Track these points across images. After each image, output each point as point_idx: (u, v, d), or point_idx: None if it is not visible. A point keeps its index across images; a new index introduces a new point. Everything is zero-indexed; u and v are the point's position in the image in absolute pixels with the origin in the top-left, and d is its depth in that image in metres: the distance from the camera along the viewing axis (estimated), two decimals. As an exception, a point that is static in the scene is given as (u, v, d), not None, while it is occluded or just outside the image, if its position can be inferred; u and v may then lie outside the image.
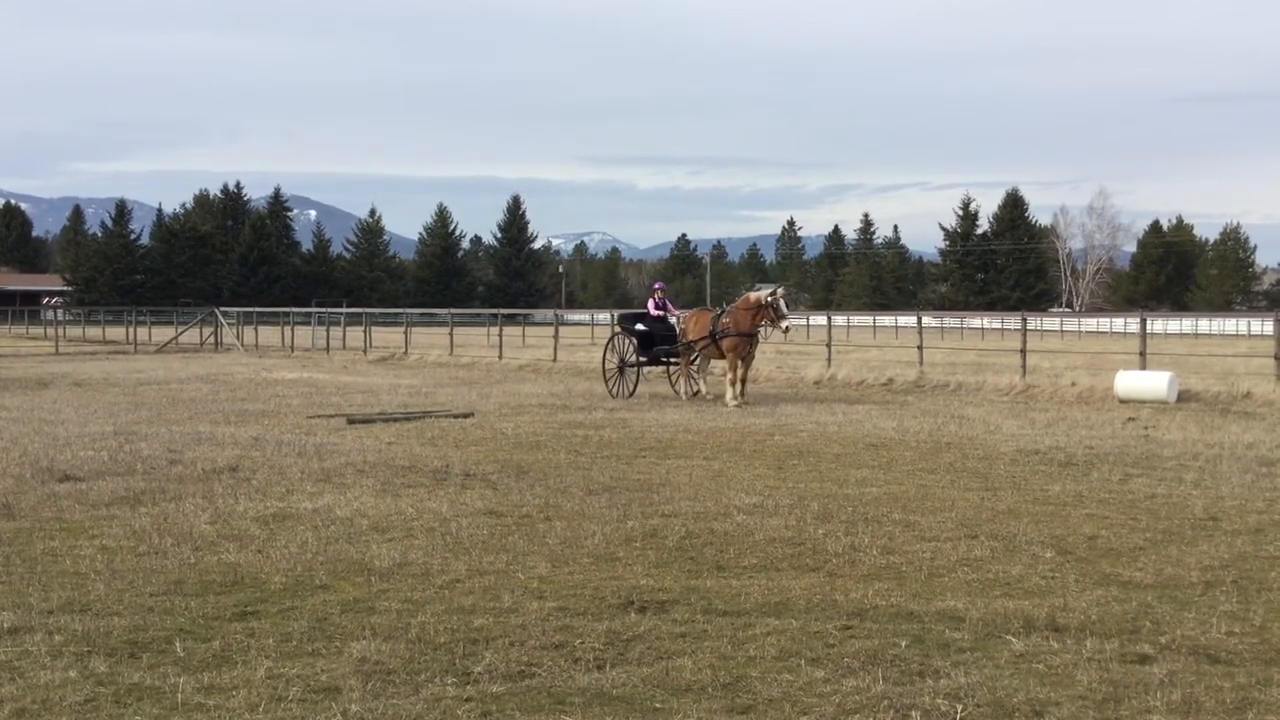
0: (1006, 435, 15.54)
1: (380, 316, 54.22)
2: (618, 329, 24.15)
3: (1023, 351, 25.26)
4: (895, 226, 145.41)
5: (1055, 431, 16.00)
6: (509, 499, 10.41)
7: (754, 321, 20.69)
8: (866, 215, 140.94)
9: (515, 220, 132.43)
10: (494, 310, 45.59)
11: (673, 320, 23.14)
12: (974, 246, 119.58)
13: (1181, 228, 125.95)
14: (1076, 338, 65.88)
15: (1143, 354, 23.32)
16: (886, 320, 73.26)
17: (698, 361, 22.04)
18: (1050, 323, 76.33)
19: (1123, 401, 20.57)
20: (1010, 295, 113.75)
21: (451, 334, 38.31)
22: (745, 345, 20.72)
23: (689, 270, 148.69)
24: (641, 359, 22.26)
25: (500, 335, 36.47)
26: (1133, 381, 20.98)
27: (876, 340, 50.96)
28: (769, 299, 20.56)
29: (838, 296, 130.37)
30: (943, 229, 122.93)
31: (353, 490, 10.83)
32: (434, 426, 16.45)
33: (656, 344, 22.25)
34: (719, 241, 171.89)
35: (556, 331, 35.23)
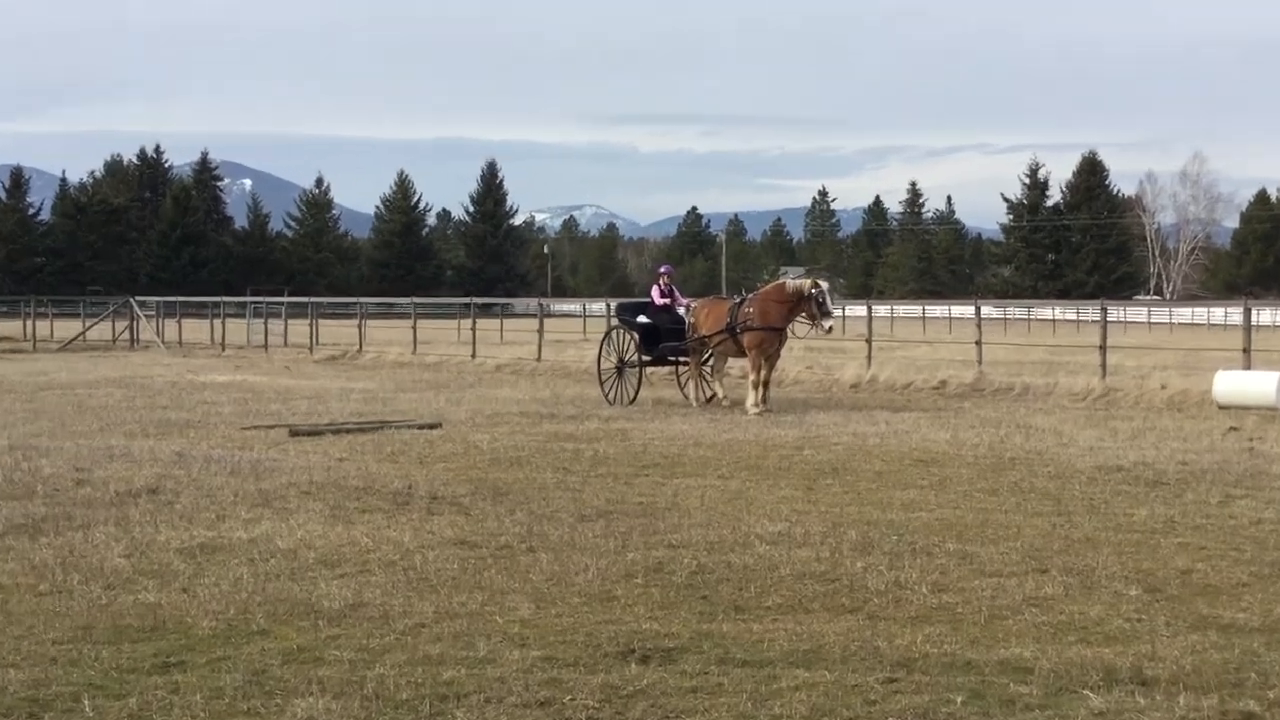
0: (1083, 449, 15.55)
1: (329, 307, 54.32)
2: (615, 322, 24.18)
3: (1102, 348, 25.28)
4: (949, 197, 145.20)
5: (1141, 444, 16.00)
6: (484, 526, 10.42)
7: (787, 315, 20.69)
8: (914, 184, 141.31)
9: (491, 191, 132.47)
10: (466, 299, 45.61)
11: (681, 311, 23.18)
12: (1044, 221, 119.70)
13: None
14: (1167, 331, 65.89)
15: (1247, 351, 23.34)
16: (938, 310, 73.37)
17: (712, 361, 22.06)
18: (1135, 313, 76.44)
19: (1223, 408, 20.59)
20: (1087, 280, 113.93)
21: (415, 328, 38.35)
22: (771, 342, 20.76)
23: (701, 250, 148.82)
24: (644, 358, 22.26)
25: (474, 329, 36.49)
26: (1235, 384, 20.99)
27: (926, 335, 50.98)
28: (812, 290, 20.52)
29: (879, 282, 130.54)
30: (1006, 200, 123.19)
31: (297, 516, 10.85)
32: (394, 439, 16.47)
33: (662, 339, 22.23)
34: (736, 216, 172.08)
35: (541, 325, 35.27)
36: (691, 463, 14.49)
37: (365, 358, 36.68)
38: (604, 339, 23.34)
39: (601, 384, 22.63)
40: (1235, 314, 59.33)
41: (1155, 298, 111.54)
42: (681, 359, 22.47)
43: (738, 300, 21.69)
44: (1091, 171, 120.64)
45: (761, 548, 9.52)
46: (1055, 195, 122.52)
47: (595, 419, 19.30)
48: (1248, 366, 22.93)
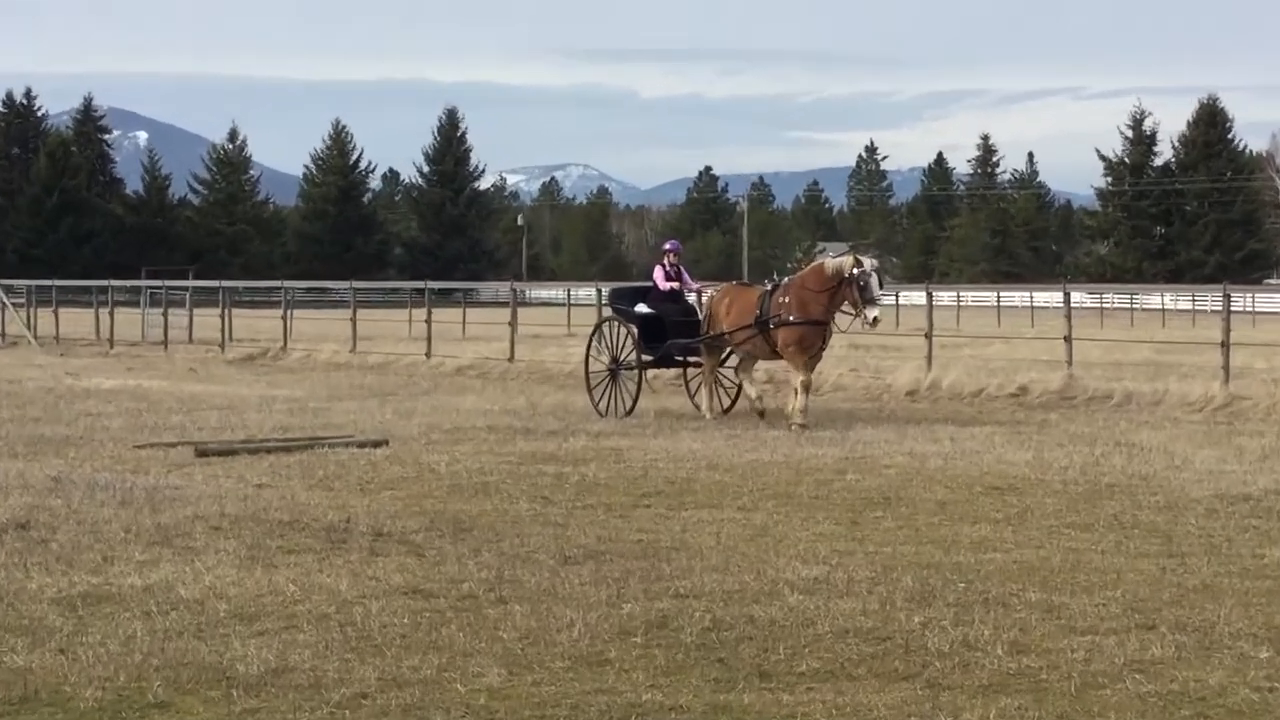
0: (1200, 473, 15.54)
1: (246, 293, 54.42)
2: (609, 312, 24.14)
3: (1224, 345, 25.25)
4: (1030, 155, 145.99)
5: (1274, 467, 15.98)
6: (442, 571, 10.41)
7: (829, 304, 20.63)
8: (986, 138, 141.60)
9: (451, 147, 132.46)
10: (419, 284, 45.55)
11: (691, 298, 23.11)
12: (1150, 186, 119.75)
13: None
14: (1306, 324, 65.83)
15: (1407, 348, 23.34)
16: (1016, 298, 73.35)
17: (738, 361, 22.01)
18: (1267, 301, 76.37)
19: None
20: (1205, 260, 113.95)
21: (354, 319, 38.36)
22: (814, 339, 20.72)
23: (716, 222, 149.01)
24: (645, 357, 22.25)
25: (429, 321, 36.45)
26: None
27: (1001, 328, 50.99)
28: (855, 270, 20.38)
29: (942, 262, 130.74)
30: (1103, 159, 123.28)
31: (204, 557, 10.83)
32: (328, 460, 16.46)
33: (668, 334, 22.19)
34: (761, 179, 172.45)
35: (514, 315, 35.22)
36: (704, 490, 14.46)
37: (291, 357, 36.63)
38: (594, 334, 23.34)
39: (591, 391, 22.61)
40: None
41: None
42: (692, 359, 22.43)
43: (769, 288, 21.63)
44: (1211, 122, 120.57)
45: (793, 598, 9.51)
46: (1165, 152, 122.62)
47: (583, 435, 19.26)
48: None
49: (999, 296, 71.46)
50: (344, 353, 36.24)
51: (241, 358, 37.34)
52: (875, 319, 20.44)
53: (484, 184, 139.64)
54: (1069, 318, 28.17)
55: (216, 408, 23.26)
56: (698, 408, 22.22)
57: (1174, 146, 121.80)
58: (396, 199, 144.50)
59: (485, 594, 9.68)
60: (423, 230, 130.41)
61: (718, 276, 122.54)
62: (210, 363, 36.32)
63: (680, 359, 22.67)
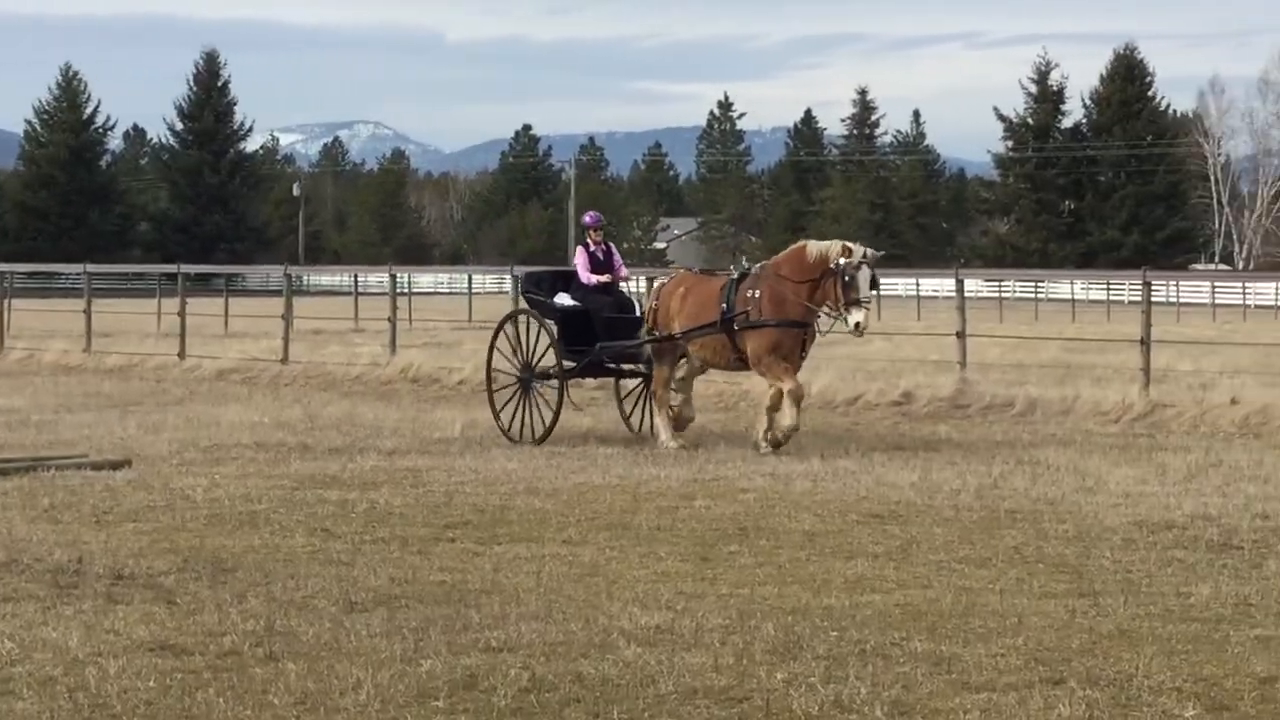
0: (1116, 496, 15.81)
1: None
2: (522, 303, 22.88)
3: (1144, 343, 25.70)
4: (916, 114, 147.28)
5: (1201, 488, 16.32)
6: (198, 622, 10.32)
7: (811, 299, 19.66)
8: (864, 93, 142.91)
9: (210, 99, 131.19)
10: (171, 267, 44.97)
11: (627, 287, 22.41)
12: (1058, 152, 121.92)
13: None
14: (1239, 317, 67.35)
15: (1358, 347, 23.93)
16: (900, 285, 74.03)
17: (684, 371, 21.23)
18: (1193, 290, 77.96)
19: (1323, 433, 21.10)
20: (1122, 241, 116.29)
21: (89, 311, 37.84)
22: (791, 345, 19.83)
23: (537, 192, 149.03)
24: (569, 364, 21.18)
25: (182, 314, 35.99)
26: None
27: (882, 322, 51.39)
28: (841, 260, 19.55)
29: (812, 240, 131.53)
30: (1002, 120, 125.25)
31: (-103, 608, 10.62)
32: (56, 486, 16.23)
33: (602, 334, 21.31)
34: (592, 140, 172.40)
35: (289, 306, 34.96)
36: (521, 520, 14.45)
37: (10, 358, 36.01)
38: (498, 330, 22.22)
39: (494, 405, 21.57)
40: (1341, 292, 60.94)
41: (1222, 267, 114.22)
42: (627, 367, 21.49)
43: (734, 279, 20.42)
44: (1128, 77, 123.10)
45: (630, 650, 9.52)
46: (1075, 112, 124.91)
47: (372, 453, 19.19)
48: (1359, 371, 23.50)
49: (879, 284, 72.11)
50: (76, 352, 35.71)
51: (-55, 359, 36.60)
52: (859, 325, 19.62)
53: (251, 145, 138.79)
54: (962, 310, 28.48)
55: (-86, 421, 22.79)
56: (632, 430, 21.34)
57: (1085, 105, 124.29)
58: (143, 163, 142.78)
59: (251, 650, 9.58)
60: (175, 202, 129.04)
61: (538, 258, 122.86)
62: (-95, 365, 35.54)
63: (614, 367, 21.57)
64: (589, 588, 11.44)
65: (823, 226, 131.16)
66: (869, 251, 20.09)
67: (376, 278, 58.60)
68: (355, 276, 64.14)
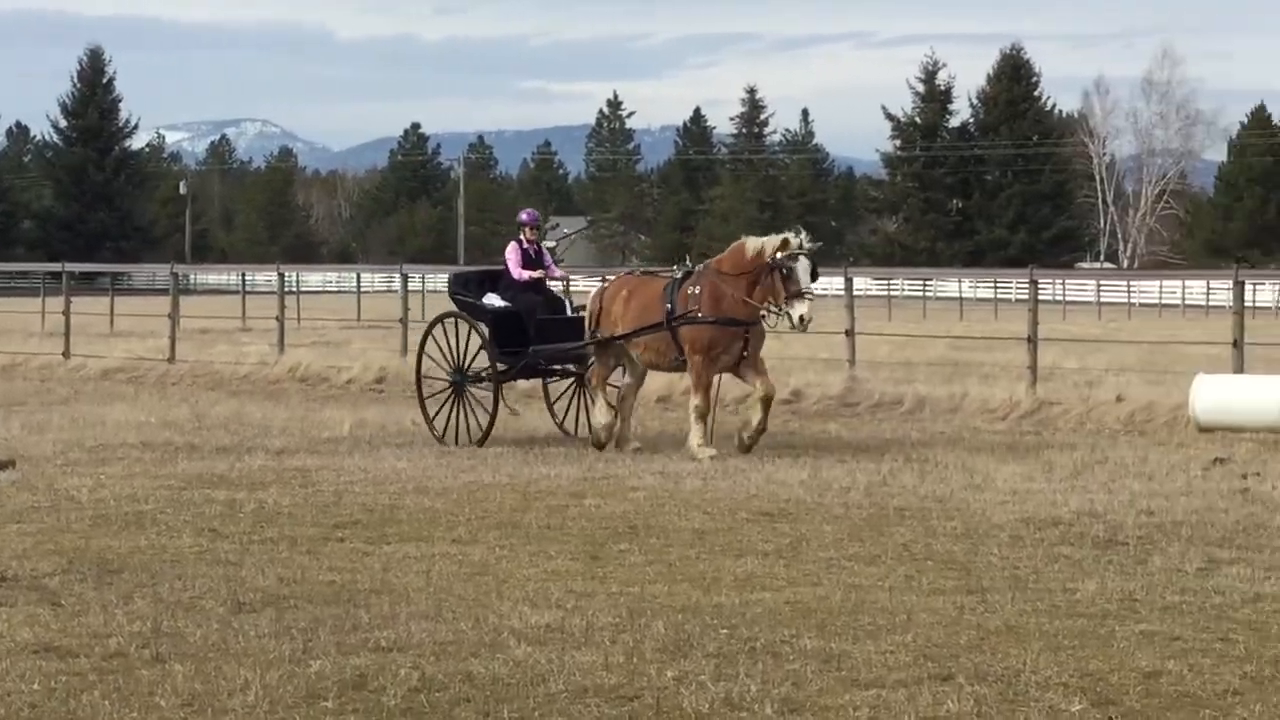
0: (1003, 493, 15.94)
1: None
2: (454, 305, 21.84)
3: (1031, 341, 25.88)
4: (805, 113, 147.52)
5: (1087, 485, 16.49)
6: (83, 623, 10.23)
7: (752, 295, 19.25)
8: (753, 92, 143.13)
9: (95, 96, 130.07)
10: (55, 265, 44.56)
11: (558, 287, 22.12)
12: (945, 151, 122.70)
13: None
14: (1124, 315, 67.98)
15: (1239, 344, 24.07)
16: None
17: (625, 372, 20.43)
18: (1079, 288, 78.66)
19: (1204, 430, 21.28)
20: (1010, 239, 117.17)
21: (-29, 310, 37.35)
22: (729, 344, 19.38)
23: (426, 190, 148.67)
24: (502, 367, 20.75)
25: (67, 313, 35.68)
26: (1222, 394, 21.68)
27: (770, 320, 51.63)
28: (778, 254, 19.17)
29: (700, 240, 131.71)
30: (890, 119, 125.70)
31: None
32: (-63, 487, 16.01)
33: (535, 337, 20.83)
34: (481, 138, 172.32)
35: (176, 305, 34.72)
36: (412, 520, 14.42)
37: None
38: (427, 333, 21.77)
39: (425, 409, 21.29)
40: (1222, 290, 61.42)
41: (1108, 265, 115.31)
42: (567, 367, 21.15)
43: (677, 278, 20.02)
44: (1015, 77, 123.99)
45: (520, 650, 9.52)
46: (963, 112, 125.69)
47: (260, 452, 19.09)
48: (1241, 368, 23.67)
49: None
50: (-43, 352, 35.29)
51: None
52: (803, 319, 19.04)
53: (137, 143, 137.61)
54: (851, 308, 28.58)
55: None
56: (566, 433, 21.07)
57: (972, 105, 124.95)
58: (25, 160, 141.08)
59: (138, 651, 9.52)
60: (59, 199, 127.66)
61: (427, 257, 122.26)
62: None
63: (547, 369, 21.26)
64: (479, 587, 11.43)
65: (712, 225, 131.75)
66: (808, 242, 19.64)
67: (264, 276, 58.35)
68: (243, 275, 63.78)
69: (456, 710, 8.39)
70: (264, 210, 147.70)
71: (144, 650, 9.54)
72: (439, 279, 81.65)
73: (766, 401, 19.27)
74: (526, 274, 20.83)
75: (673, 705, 8.46)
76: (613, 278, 22.06)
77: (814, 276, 19.50)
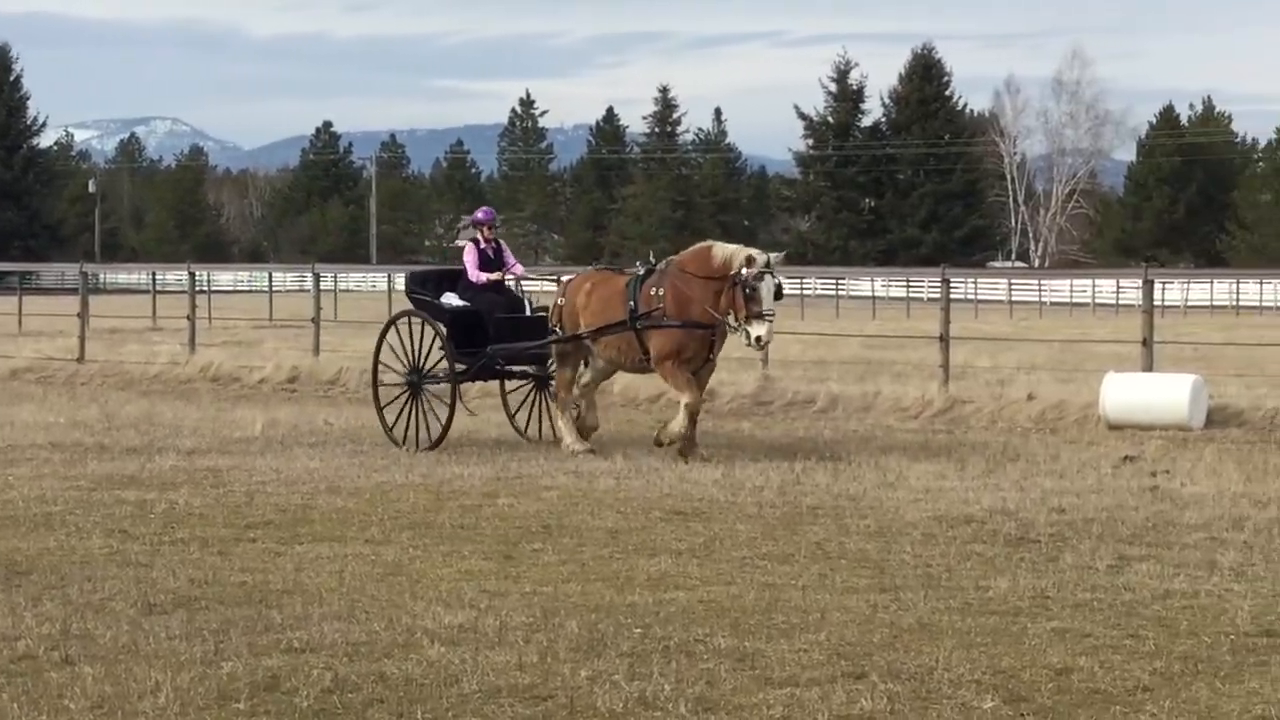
0: (916, 491, 16.04)
1: None
2: (410, 305, 21.39)
3: (943, 339, 26.06)
4: (718, 111, 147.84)
5: (999, 483, 16.60)
6: (-8, 627, 10.15)
7: (718, 302, 18.84)
8: (666, 91, 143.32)
9: (1, 93, 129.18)
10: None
11: (514, 285, 21.83)
12: (857, 150, 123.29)
13: (1214, 119, 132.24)
14: (1035, 314, 68.51)
15: (1147, 343, 24.36)
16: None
17: (588, 375, 20.18)
18: (990, 287, 79.29)
19: (1114, 427, 21.51)
20: (922, 238, 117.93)
21: (-123, 310, 36.99)
22: (697, 345, 19.05)
23: (338, 189, 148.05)
24: (460, 367, 20.36)
25: (-26, 312, 35.40)
26: (1132, 392, 21.93)
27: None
28: (744, 270, 18.60)
29: (613, 239, 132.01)
30: (803, 118, 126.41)
31: None
32: None
33: (494, 336, 20.35)
34: (394, 137, 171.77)
35: (85, 304, 34.50)
36: (324, 520, 14.38)
37: None
38: (384, 333, 21.31)
39: (381, 411, 20.85)
40: (1132, 289, 61.95)
41: (1019, 264, 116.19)
42: (520, 368, 20.85)
43: (639, 276, 19.69)
44: (926, 77, 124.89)
45: (434, 650, 9.51)
46: (875, 111, 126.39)
47: (171, 453, 18.98)
48: (1150, 366, 23.94)
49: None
50: None
51: None
52: (759, 339, 18.68)
53: (45, 141, 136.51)
54: (764, 307, 28.64)
55: None
56: (520, 433, 20.85)
57: (884, 104, 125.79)
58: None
59: (46, 653, 9.47)
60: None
61: (339, 256, 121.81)
62: None
63: (505, 370, 20.89)
64: (392, 587, 11.41)
65: (624, 225, 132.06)
66: (772, 259, 19.20)
67: (175, 275, 58.02)
68: (153, 274, 63.15)
69: (370, 711, 8.37)
70: (174, 209, 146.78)
71: (53, 652, 9.48)
72: (351, 279, 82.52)
73: (693, 414, 18.82)
74: (484, 277, 20.51)
75: (586, 705, 8.47)
76: (569, 278, 21.35)
77: (778, 295, 19.10)
